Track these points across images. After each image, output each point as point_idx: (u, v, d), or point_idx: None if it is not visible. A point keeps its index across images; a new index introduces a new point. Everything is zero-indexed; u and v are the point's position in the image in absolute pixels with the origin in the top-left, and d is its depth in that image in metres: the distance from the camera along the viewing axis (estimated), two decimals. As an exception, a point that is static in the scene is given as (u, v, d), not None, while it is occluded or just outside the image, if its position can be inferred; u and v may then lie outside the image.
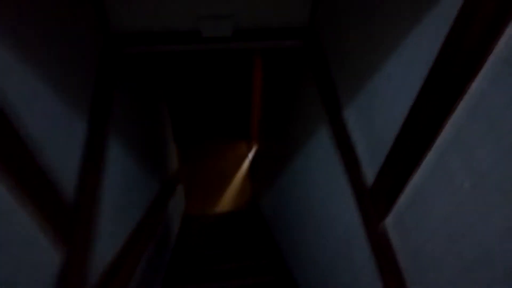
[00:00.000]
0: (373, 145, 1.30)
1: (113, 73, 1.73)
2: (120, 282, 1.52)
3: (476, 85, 0.79)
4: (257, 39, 1.86)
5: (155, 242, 2.59)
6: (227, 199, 5.26)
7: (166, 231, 3.22)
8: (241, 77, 5.41)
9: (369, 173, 1.34)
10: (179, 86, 5.42)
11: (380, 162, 1.24)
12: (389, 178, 1.20)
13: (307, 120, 2.05)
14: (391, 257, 1.20)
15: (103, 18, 1.67)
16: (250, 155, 5.71)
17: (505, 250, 0.75)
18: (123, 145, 1.86)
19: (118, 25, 1.75)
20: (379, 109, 1.23)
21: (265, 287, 3.15)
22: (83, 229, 1.14)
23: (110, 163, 1.59)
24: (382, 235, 1.26)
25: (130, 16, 1.73)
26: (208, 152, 5.86)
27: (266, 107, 3.98)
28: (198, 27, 1.81)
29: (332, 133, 1.64)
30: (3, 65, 0.91)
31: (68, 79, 1.25)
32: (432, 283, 1.02)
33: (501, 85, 0.73)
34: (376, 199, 1.29)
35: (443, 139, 0.91)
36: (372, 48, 1.25)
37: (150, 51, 1.87)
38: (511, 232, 0.74)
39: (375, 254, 1.29)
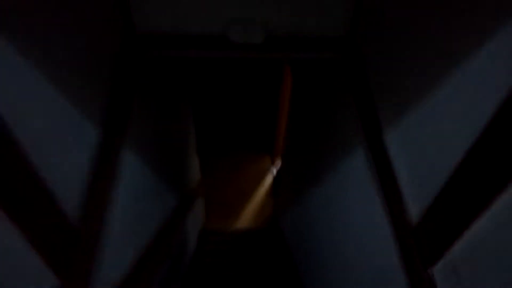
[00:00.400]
0: (421, 177, 1.11)
1: (132, 78, 1.63)
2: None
3: None
4: (291, 48, 1.72)
5: (170, 261, 2.45)
6: (247, 215, 5.09)
7: (183, 248, 3.09)
8: (269, 89, 5.27)
9: (414, 208, 1.15)
10: (204, 95, 5.34)
11: (430, 198, 1.05)
12: (442, 218, 1.00)
13: (340, 140, 1.87)
14: (440, 314, 1.00)
15: (126, 16, 1.58)
16: (274, 171, 5.54)
17: None
18: (141, 158, 1.75)
19: (142, 25, 1.66)
20: (433, 136, 1.04)
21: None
22: (85, 255, 1.01)
23: (124, 180, 1.47)
24: (428, 285, 1.06)
25: (155, 16, 1.63)
26: (231, 165, 5.74)
27: (293, 122, 3.82)
28: (227, 32, 1.69)
29: (370, 158, 1.45)
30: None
31: (82, 84, 1.15)
32: None
33: None
34: (422, 240, 1.10)
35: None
36: (428, 67, 1.07)
37: (175, 55, 1.77)
38: None
39: (420, 307, 1.09)
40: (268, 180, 5.47)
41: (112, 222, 1.31)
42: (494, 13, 0.81)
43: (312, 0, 1.60)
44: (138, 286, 1.54)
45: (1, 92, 0.78)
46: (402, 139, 1.23)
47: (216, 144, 5.96)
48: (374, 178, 1.42)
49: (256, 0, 1.61)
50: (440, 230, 1.01)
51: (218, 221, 5.02)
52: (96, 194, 1.14)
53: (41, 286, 0.90)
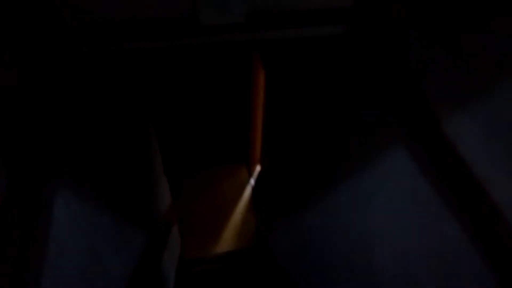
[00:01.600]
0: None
1: (63, 88, 1.08)
2: None
3: None
4: (281, 25, 1.25)
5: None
6: (228, 235, 4.55)
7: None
8: (234, 85, 4.65)
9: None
10: (164, 105, 4.70)
11: None
12: None
13: (363, 139, 1.42)
14: None
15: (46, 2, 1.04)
16: (252, 182, 5.05)
17: None
18: (84, 199, 1.20)
19: (72, 13, 1.12)
20: None
21: None
22: None
23: (59, 232, 0.92)
24: None
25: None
26: (203, 182, 5.17)
27: (273, 122, 3.35)
28: (195, 12, 1.20)
29: (423, 160, 1.01)
30: None
31: None
32: None
33: None
34: None
35: None
36: None
37: (122, 49, 1.24)
38: None
39: None
40: (247, 193, 4.96)
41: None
42: None
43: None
44: None
45: None
46: (483, 126, 0.80)
47: (183, 160, 5.35)
48: (430, 185, 0.97)
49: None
50: None
51: (197, 247, 4.43)
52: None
53: None
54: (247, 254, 4.42)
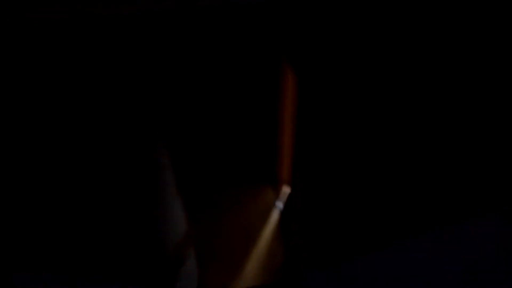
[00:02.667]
0: None
1: None
2: None
3: None
4: None
5: None
6: (253, 266, 3.88)
7: None
8: (260, 94, 4.03)
9: None
10: (177, 113, 4.13)
11: None
12: None
13: None
14: None
15: None
16: (280, 204, 4.39)
17: None
18: None
19: None
20: None
21: None
22: None
23: None
24: None
25: None
26: (222, 205, 4.54)
27: (311, 133, 2.73)
28: None
29: None
30: None
31: None
32: None
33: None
34: None
35: None
36: None
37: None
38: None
39: None
40: (274, 217, 4.29)
41: None
42: None
43: None
44: None
45: None
46: None
47: (200, 179, 4.74)
48: None
49: None
50: None
51: (217, 279, 3.79)
52: None
53: None
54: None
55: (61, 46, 1.41)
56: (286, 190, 4.52)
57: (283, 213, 4.26)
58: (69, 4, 0.72)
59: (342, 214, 2.42)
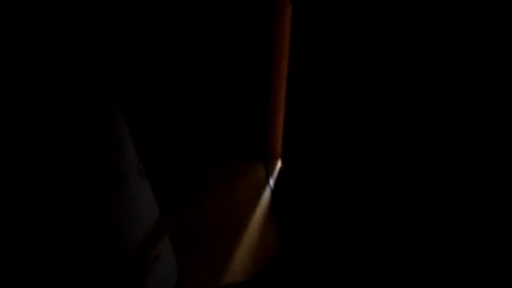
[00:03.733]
0: None
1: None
2: None
3: None
4: None
5: None
6: (243, 256, 3.35)
7: None
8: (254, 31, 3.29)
9: None
10: (138, 64, 3.43)
11: None
12: None
13: None
14: None
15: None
16: (271, 182, 3.82)
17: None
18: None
19: None
20: None
21: None
22: None
23: None
24: None
25: None
26: (207, 184, 3.93)
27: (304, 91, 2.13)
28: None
29: None
30: None
31: None
32: None
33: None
34: None
35: None
36: None
37: None
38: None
39: None
40: (266, 197, 3.72)
41: None
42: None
43: None
44: None
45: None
46: None
47: (177, 153, 4.09)
48: None
49: None
50: None
51: (202, 272, 3.25)
52: None
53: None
54: (266, 282, 3.22)
55: None
56: (278, 165, 3.96)
57: (274, 193, 3.69)
58: None
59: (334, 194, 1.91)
